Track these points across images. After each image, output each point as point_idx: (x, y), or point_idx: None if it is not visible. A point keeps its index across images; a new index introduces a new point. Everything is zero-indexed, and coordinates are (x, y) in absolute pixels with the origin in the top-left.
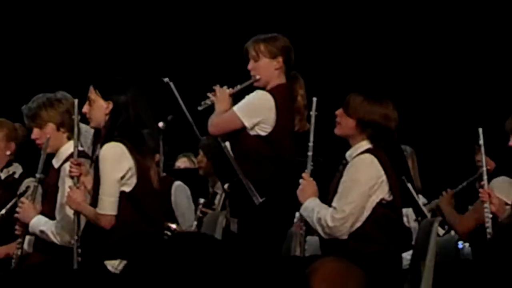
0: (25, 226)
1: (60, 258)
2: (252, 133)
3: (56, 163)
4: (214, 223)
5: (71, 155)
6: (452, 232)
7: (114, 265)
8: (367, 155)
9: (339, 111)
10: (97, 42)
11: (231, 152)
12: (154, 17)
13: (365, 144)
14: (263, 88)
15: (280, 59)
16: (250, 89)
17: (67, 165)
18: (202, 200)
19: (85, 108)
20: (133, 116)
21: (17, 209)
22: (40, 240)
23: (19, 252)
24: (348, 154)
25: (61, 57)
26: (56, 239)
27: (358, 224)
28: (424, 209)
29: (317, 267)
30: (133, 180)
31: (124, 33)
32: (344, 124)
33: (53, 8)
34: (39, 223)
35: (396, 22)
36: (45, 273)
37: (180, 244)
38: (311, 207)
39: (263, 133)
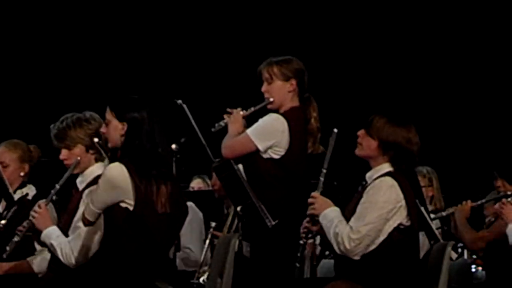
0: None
1: (73, 281)
2: (265, 156)
3: (80, 184)
4: (227, 246)
5: (97, 178)
6: (465, 256)
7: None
8: (388, 178)
9: (361, 132)
10: (113, 64)
11: (244, 175)
12: (169, 39)
13: (386, 167)
14: (276, 111)
15: (294, 81)
16: (264, 112)
17: (89, 189)
18: (213, 224)
19: (103, 129)
20: (147, 137)
21: (32, 213)
22: (55, 261)
23: (15, 239)
24: (368, 175)
25: (76, 78)
26: (62, 257)
27: (373, 247)
28: (437, 233)
29: None
30: (130, 202)
31: (139, 56)
32: (366, 145)
33: (67, 29)
34: (53, 235)
35: (418, 45)
36: None
37: None
38: (332, 217)
39: (276, 156)
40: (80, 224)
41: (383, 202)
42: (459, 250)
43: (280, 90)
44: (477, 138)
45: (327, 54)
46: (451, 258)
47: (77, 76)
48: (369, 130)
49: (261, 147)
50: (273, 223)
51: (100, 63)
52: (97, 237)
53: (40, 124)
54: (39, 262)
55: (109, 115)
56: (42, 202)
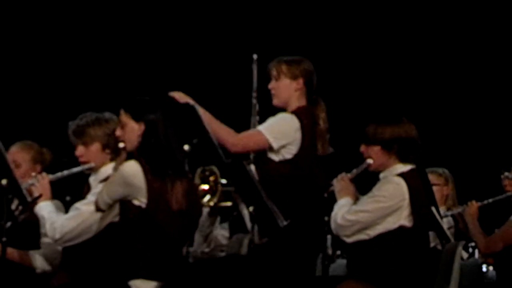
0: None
1: (86, 279)
2: (277, 156)
3: (93, 182)
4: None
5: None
6: (476, 255)
7: (136, 284)
8: (397, 177)
9: (362, 147)
10: (123, 64)
11: (255, 175)
12: (179, 41)
13: (399, 168)
14: (283, 110)
15: (301, 81)
16: (268, 111)
17: (101, 185)
18: (226, 225)
19: (118, 132)
20: (163, 137)
21: (34, 180)
22: (68, 259)
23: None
24: (381, 175)
25: (85, 82)
26: (48, 230)
27: (364, 237)
28: (448, 233)
29: None
30: (143, 200)
31: (149, 57)
32: (373, 155)
33: (71, 33)
34: (47, 208)
35: (427, 46)
36: None
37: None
38: (342, 204)
39: (289, 156)
40: (81, 207)
41: (384, 197)
42: (470, 249)
43: (286, 88)
44: (484, 138)
45: (333, 55)
46: (462, 258)
47: (89, 79)
48: (367, 141)
49: (275, 145)
50: (285, 223)
51: (104, 65)
52: (94, 227)
53: (53, 128)
54: (39, 258)
55: (124, 117)
56: (46, 174)
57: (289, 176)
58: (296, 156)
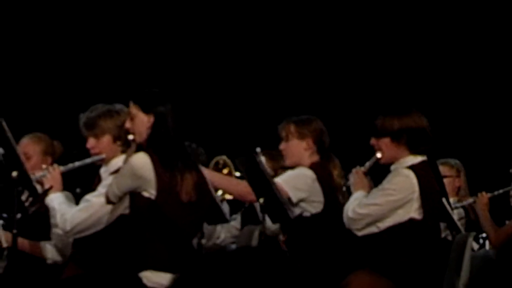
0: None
1: (96, 272)
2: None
3: (103, 173)
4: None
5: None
6: (487, 246)
7: (147, 276)
8: (406, 170)
9: (372, 141)
10: (133, 56)
11: (266, 167)
12: (190, 33)
13: (410, 160)
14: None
15: (310, 141)
16: None
17: (112, 177)
18: (237, 217)
19: (128, 124)
20: (172, 129)
21: (45, 171)
22: (79, 251)
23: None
24: (392, 167)
25: (96, 74)
26: (59, 221)
27: (375, 230)
28: (459, 224)
29: (351, 280)
30: (152, 192)
31: (159, 49)
32: (383, 148)
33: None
34: (57, 199)
35: (436, 39)
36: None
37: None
38: (355, 197)
39: (313, 210)
40: (92, 199)
41: (394, 190)
42: (481, 241)
43: (296, 148)
44: (494, 129)
45: (345, 50)
46: (472, 249)
47: (99, 71)
48: (376, 134)
49: (294, 199)
50: (296, 214)
51: (115, 58)
52: (104, 219)
53: (63, 122)
54: (50, 249)
55: (133, 109)
56: (57, 166)
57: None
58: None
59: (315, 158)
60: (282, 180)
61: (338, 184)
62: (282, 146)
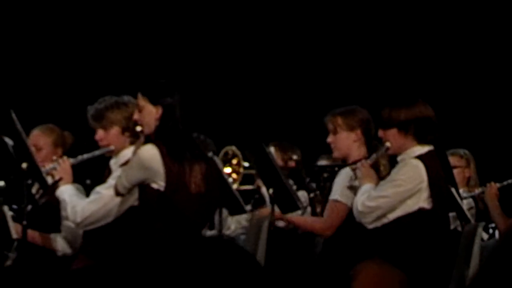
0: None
1: (107, 263)
2: None
3: (113, 165)
4: (259, 227)
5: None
6: (497, 236)
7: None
8: (414, 160)
9: (380, 132)
10: (141, 48)
11: (275, 158)
12: (198, 25)
13: (417, 150)
14: (344, 161)
15: (359, 131)
16: None
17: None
18: (249, 208)
19: (136, 115)
20: (181, 120)
21: (55, 164)
22: (89, 243)
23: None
24: (399, 158)
25: (104, 65)
26: (70, 213)
27: (385, 221)
28: (468, 214)
29: (360, 269)
30: (161, 183)
31: (167, 40)
32: (391, 139)
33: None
34: (68, 191)
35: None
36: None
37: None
38: (363, 190)
39: None
40: (102, 191)
41: (403, 180)
42: (491, 230)
43: (345, 140)
44: (504, 119)
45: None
46: (482, 239)
47: (107, 63)
48: (383, 125)
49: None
50: (305, 205)
51: (123, 49)
52: (114, 211)
53: (73, 113)
54: (61, 241)
55: (141, 101)
56: (67, 158)
57: None
58: None
59: (363, 150)
60: (338, 195)
61: (383, 176)
62: (330, 139)
